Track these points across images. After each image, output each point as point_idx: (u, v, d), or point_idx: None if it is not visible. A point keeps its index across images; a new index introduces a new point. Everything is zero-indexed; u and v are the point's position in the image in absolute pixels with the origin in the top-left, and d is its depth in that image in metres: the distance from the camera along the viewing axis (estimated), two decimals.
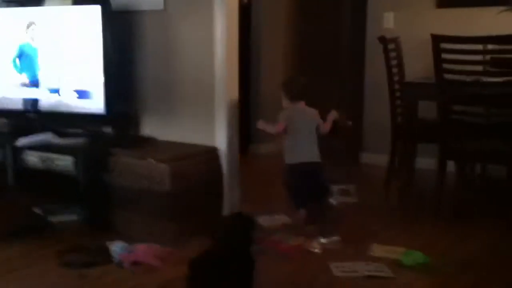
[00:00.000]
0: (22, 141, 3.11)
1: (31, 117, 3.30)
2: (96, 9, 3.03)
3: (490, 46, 3.37)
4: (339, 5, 6.80)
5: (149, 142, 3.32)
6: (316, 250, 2.71)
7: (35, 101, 3.28)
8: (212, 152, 3.14)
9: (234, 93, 3.20)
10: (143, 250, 2.57)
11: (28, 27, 3.25)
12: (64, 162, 3.05)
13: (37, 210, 3.20)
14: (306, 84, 3.25)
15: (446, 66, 3.10)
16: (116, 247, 2.59)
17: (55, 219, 3.13)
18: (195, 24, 3.19)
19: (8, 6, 3.35)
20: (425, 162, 3.95)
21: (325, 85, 6.39)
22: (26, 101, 3.30)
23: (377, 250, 2.71)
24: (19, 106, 3.32)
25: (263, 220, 3.13)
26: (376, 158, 4.58)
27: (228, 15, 3.08)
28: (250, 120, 5.20)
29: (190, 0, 3.18)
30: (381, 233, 3.02)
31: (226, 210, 3.14)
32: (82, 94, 3.14)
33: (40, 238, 2.88)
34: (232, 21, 3.13)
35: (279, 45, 5.52)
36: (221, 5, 3.06)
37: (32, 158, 3.15)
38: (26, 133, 3.16)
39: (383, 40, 3.86)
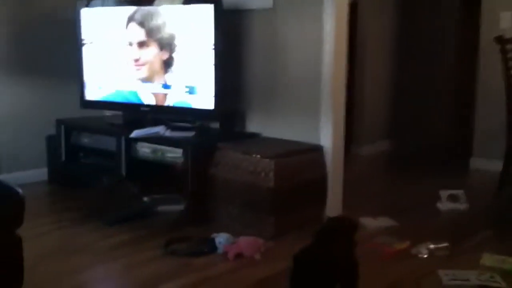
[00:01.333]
0: (135, 133, 3.26)
1: (144, 111, 3.45)
2: (209, 8, 3.11)
3: None
4: (449, 5, 6.52)
5: (255, 138, 3.36)
6: (423, 256, 2.61)
7: (148, 96, 3.42)
8: (316, 150, 3.12)
9: (341, 92, 3.17)
10: (246, 243, 2.60)
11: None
12: (173, 154, 3.17)
13: (146, 199, 3.35)
14: None
15: None
16: (221, 239, 2.64)
17: (162, 209, 3.26)
18: (303, 22, 3.19)
19: (121, 5, 3.51)
20: None
21: (429, 85, 6.15)
22: (140, 95, 3.46)
23: (488, 259, 2.55)
24: (133, 99, 3.49)
25: (366, 222, 3.07)
26: (487, 164, 4.36)
27: (337, 13, 3.05)
28: (352, 120, 5.12)
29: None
30: (491, 242, 2.85)
31: (328, 209, 3.11)
32: (192, 90, 3.24)
33: (148, 226, 3.00)
34: (341, 19, 3.10)
35: (384, 44, 5.40)
36: (331, 3, 3.04)
37: (144, 150, 3.30)
38: (139, 126, 3.31)
39: (501, 40, 3.65)
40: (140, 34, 3.38)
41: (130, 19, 3.42)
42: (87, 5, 3.60)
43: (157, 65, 3.35)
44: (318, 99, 3.15)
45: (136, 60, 3.43)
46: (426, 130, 6.05)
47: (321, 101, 3.14)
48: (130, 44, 3.44)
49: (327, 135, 3.13)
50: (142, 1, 3.42)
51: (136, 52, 3.42)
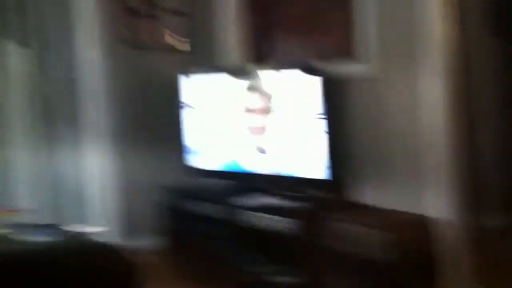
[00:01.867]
0: (244, 201, 3.29)
1: (254, 179, 3.49)
2: (315, 79, 3.16)
3: None
4: None
5: (364, 208, 3.30)
6: None
7: (260, 164, 3.47)
8: (427, 221, 3.00)
9: (449, 158, 3.04)
10: None
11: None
12: (283, 223, 3.15)
13: (254, 269, 3.34)
14: None
15: None
16: None
17: (273, 280, 3.22)
18: (410, 89, 3.14)
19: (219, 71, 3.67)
20: None
21: None
22: (251, 163, 3.51)
23: None
24: (244, 168, 3.55)
25: None
26: None
27: (435, 78, 2.99)
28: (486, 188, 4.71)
29: (398, 66, 3.18)
30: None
31: None
32: (303, 159, 3.25)
33: None
34: (439, 85, 3.01)
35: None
36: (428, 68, 3.00)
37: (252, 218, 3.32)
38: (249, 194, 3.34)
39: None
40: (260, 101, 3.46)
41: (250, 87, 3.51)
42: (187, 75, 3.77)
43: (271, 133, 3.41)
44: (420, 168, 3.07)
45: (258, 128, 3.49)
46: None
47: (424, 169, 3.05)
48: (249, 111, 3.51)
49: (437, 205, 2.99)
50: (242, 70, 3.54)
51: (258, 119, 3.48)
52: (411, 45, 3.08)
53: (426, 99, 3.04)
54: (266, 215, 3.24)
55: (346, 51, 3.41)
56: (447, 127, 3.06)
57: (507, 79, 5.23)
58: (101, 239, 3.64)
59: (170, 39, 4.19)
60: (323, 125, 3.14)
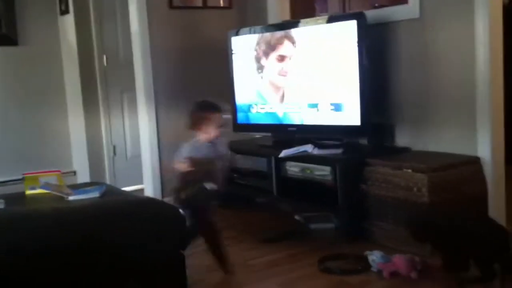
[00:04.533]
0: (284, 153, 3.34)
1: (292, 131, 3.53)
2: (352, 24, 3.12)
3: None
4: None
5: (405, 152, 3.27)
6: None
7: (294, 116, 3.50)
8: (474, 162, 2.95)
9: (499, 98, 2.97)
10: (402, 261, 2.52)
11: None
12: (323, 172, 3.19)
13: (297, 217, 3.41)
14: None
15: None
16: (375, 256, 2.60)
17: (314, 226, 3.29)
18: (453, 29, 3.06)
19: (268, 30, 3.66)
20: None
21: None
22: (286, 115, 3.55)
23: None
24: (281, 120, 3.59)
25: None
26: None
27: (491, 16, 2.88)
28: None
29: (448, 6, 3.07)
30: None
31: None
32: (338, 107, 3.25)
33: (301, 245, 3.04)
34: (495, 22, 2.92)
35: None
36: (483, 7, 2.88)
37: (293, 169, 3.37)
38: (287, 146, 3.38)
39: None
40: (292, 51, 3.47)
41: (281, 38, 3.52)
42: (237, 34, 3.80)
43: (305, 83, 3.42)
44: (473, 107, 2.99)
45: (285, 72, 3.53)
46: None
47: (476, 109, 2.97)
48: (282, 58, 3.52)
49: (485, 145, 2.94)
50: (288, 25, 3.54)
51: (287, 66, 3.50)
52: None
53: (479, 39, 2.94)
54: (304, 164, 3.28)
55: None
56: (497, 70, 2.97)
57: None
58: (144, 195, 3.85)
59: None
60: (358, 70, 3.11)
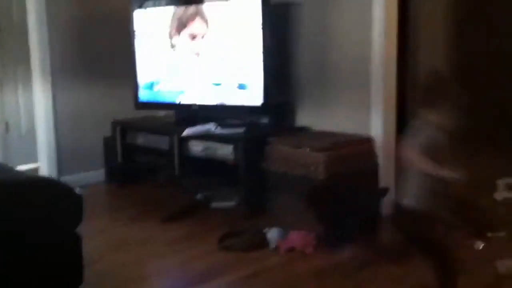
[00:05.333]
0: (186, 132, 3.33)
1: (195, 109, 3.52)
2: (256, 3, 3.14)
3: None
4: None
5: (305, 131, 3.37)
6: (479, 247, 2.55)
7: (198, 94, 3.49)
8: (367, 141, 3.09)
9: (391, 79, 3.12)
10: (298, 237, 2.62)
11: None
12: (224, 151, 3.22)
13: (199, 196, 3.43)
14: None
15: None
16: (273, 233, 2.67)
17: (215, 204, 3.32)
18: (351, 11, 3.17)
19: (170, 4, 3.56)
20: None
21: (493, 68, 5.89)
22: (191, 93, 3.53)
23: None
24: (184, 98, 3.56)
25: None
26: None
27: (387, 1, 3.01)
28: (406, 108, 4.99)
29: None
30: None
31: (380, 202, 3.08)
32: (241, 87, 3.28)
33: (202, 222, 3.07)
34: (391, 7, 3.05)
35: (438, 31, 5.26)
36: None
37: (195, 147, 3.37)
38: (191, 124, 3.37)
39: None
40: (203, 28, 3.42)
41: (191, 15, 3.45)
42: (140, 7, 3.68)
43: (209, 62, 3.41)
44: (368, 89, 3.12)
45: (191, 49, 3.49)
46: (487, 112, 5.83)
47: (371, 90, 3.11)
48: (193, 37, 3.47)
49: (377, 124, 3.10)
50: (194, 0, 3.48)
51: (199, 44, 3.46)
52: None
53: (376, 24, 3.05)
54: (207, 143, 3.29)
55: None
56: (391, 54, 3.11)
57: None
58: (44, 174, 3.70)
59: None
60: (263, 49, 3.14)
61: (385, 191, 2.95)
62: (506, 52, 5.67)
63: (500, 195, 3.31)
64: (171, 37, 3.56)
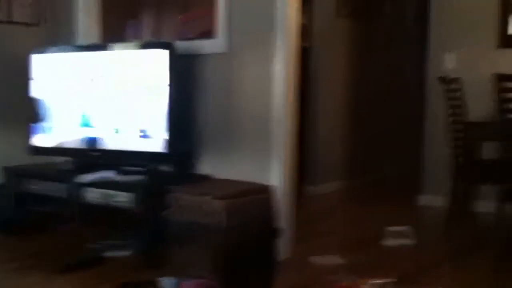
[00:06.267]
0: (85, 178, 3.24)
1: (94, 155, 3.44)
2: (164, 54, 3.18)
3: None
4: (400, 48, 6.80)
5: (207, 179, 3.38)
6: None
7: (98, 140, 3.43)
8: (267, 190, 3.15)
9: (291, 133, 3.24)
10: (192, 286, 2.59)
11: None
12: (124, 198, 3.15)
13: (94, 245, 3.31)
14: None
15: (508, 105, 3.02)
16: (166, 282, 2.63)
17: (111, 254, 3.22)
18: (255, 65, 3.27)
19: (75, 50, 3.55)
20: (487, 205, 3.81)
21: (384, 123, 6.34)
22: (90, 140, 3.46)
23: None
24: (83, 144, 3.48)
25: (316, 261, 3.12)
26: (434, 200, 4.50)
27: (287, 57, 3.15)
28: (306, 161, 5.19)
29: (252, 43, 3.28)
30: (438, 277, 2.91)
31: (279, 249, 3.13)
32: (144, 134, 3.26)
33: (95, 273, 2.95)
34: (291, 62, 3.19)
35: (337, 85, 5.55)
36: (281, 48, 3.14)
37: (94, 195, 3.27)
38: (89, 171, 3.29)
39: (443, 80, 3.82)
40: (101, 74, 3.41)
41: (91, 61, 3.45)
42: (40, 52, 3.62)
43: (112, 108, 3.37)
44: (268, 140, 3.21)
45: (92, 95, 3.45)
46: (378, 168, 6.20)
47: (271, 142, 3.20)
48: (90, 81, 3.45)
49: (277, 175, 3.18)
50: (97, 47, 3.47)
51: (95, 89, 3.43)
52: (268, 26, 3.19)
53: (277, 78, 3.17)
54: (106, 191, 3.22)
55: (208, 30, 3.48)
56: (292, 106, 3.23)
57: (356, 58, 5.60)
58: None
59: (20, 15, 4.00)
60: (167, 98, 3.16)
61: (278, 231, 3.04)
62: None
63: (390, 242, 3.49)
64: (72, 82, 3.51)
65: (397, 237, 3.51)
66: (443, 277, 2.91)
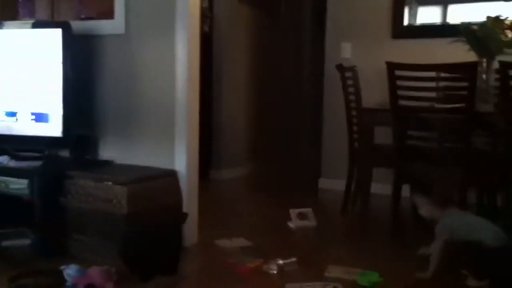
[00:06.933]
0: None
1: None
2: (57, 33, 3.04)
3: (442, 74, 3.49)
4: (299, 36, 6.99)
5: (108, 165, 3.29)
6: (273, 272, 2.72)
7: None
8: (171, 175, 3.13)
9: (195, 117, 3.23)
10: (97, 273, 2.52)
11: None
12: (19, 185, 3.00)
13: None
14: None
15: (400, 92, 3.20)
16: (70, 271, 2.54)
17: (8, 243, 3.06)
18: (156, 49, 3.22)
19: None
20: (382, 187, 4.03)
21: (285, 109, 6.52)
22: None
23: (334, 271, 2.73)
24: None
25: (222, 244, 3.15)
26: (335, 184, 4.69)
27: (189, 41, 3.12)
28: (211, 145, 5.22)
29: (152, 26, 3.22)
30: (337, 255, 3.06)
31: (184, 234, 3.13)
32: (39, 117, 3.11)
33: None
34: (193, 46, 3.17)
35: (240, 72, 5.61)
36: (182, 32, 3.11)
37: None
38: None
39: (340, 68, 3.97)
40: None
41: None
42: None
43: (4, 90, 3.18)
44: (172, 125, 3.18)
45: None
46: (282, 154, 6.37)
47: (175, 126, 3.18)
48: None
49: (181, 160, 3.16)
50: None
51: None
52: (168, 8, 3.13)
53: (179, 62, 3.13)
54: (2, 177, 3.04)
55: (107, 11, 3.35)
56: (194, 91, 3.21)
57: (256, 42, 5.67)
58: None
59: None
60: (63, 79, 3.03)
61: (184, 216, 3.03)
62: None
63: (294, 223, 3.60)
64: None
65: (301, 219, 3.63)
66: (337, 255, 3.06)
